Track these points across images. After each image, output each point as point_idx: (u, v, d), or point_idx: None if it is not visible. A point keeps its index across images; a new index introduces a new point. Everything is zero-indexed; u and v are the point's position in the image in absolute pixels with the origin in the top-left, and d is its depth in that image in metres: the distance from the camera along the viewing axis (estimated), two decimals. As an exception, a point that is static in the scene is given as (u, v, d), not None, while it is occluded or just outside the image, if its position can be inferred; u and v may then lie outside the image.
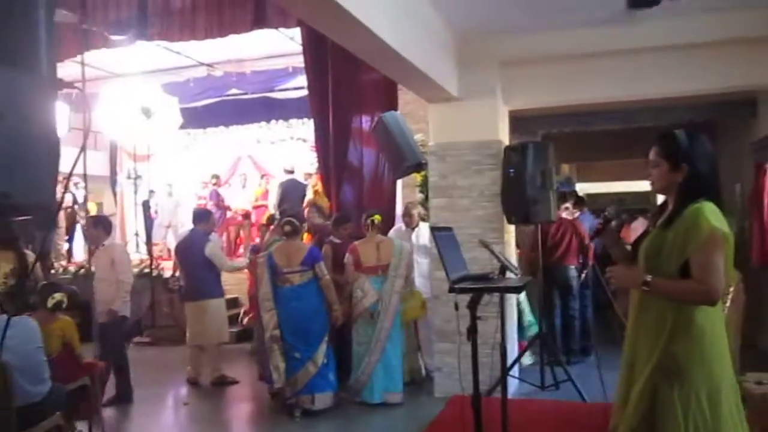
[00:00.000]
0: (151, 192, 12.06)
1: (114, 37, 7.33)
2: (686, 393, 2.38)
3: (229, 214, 11.98)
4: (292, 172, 10.64)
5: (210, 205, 11.25)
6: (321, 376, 5.36)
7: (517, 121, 7.25)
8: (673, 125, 7.49)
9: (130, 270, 6.17)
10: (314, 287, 5.45)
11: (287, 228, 5.54)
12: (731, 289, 4.51)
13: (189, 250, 6.53)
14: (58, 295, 4.65)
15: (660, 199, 2.85)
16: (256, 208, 11.84)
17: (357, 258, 5.68)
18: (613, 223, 2.83)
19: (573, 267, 6.83)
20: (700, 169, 2.50)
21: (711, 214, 2.39)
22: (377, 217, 5.82)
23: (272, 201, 10.67)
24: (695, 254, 2.39)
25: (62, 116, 8.80)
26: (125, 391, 5.90)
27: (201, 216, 6.77)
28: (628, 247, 2.78)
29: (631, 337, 2.64)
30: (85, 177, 2.02)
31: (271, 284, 5.42)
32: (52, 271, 9.30)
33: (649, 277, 2.45)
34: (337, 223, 6.23)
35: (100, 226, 6.10)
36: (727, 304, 4.43)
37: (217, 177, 12.02)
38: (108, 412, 5.51)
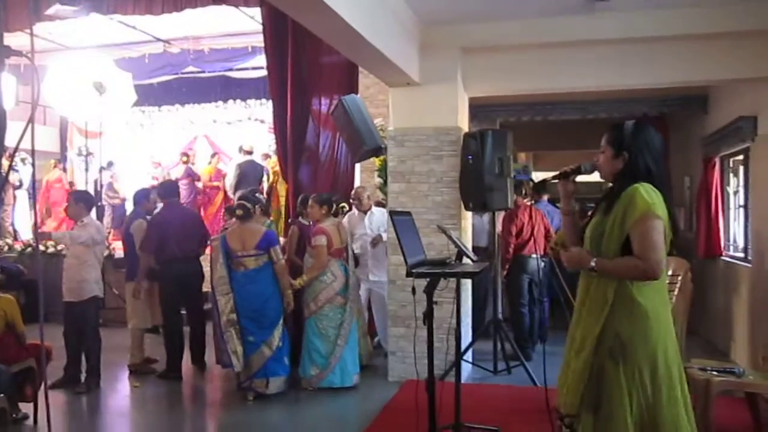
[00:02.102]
0: (110, 163, 11.78)
1: (66, 8, 7.08)
2: (630, 370, 2.47)
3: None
4: (250, 152, 10.51)
5: (185, 183, 11.04)
6: (275, 360, 5.33)
7: (477, 108, 7.30)
8: (628, 117, 7.65)
9: (93, 242, 5.82)
10: (269, 271, 5.38)
11: (239, 212, 5.45)
12: (679, 278, 4.65)
13: (126, 230, 6.41)
14: None
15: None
16: (208, 188, 11.67)
17: (330, 240, 5.62)
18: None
19: (539, 256, 6.79)
20: (639, 158, 2.59)
21: (646, 193, 2.49)
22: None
23: (229, 182, 10.52)
24: (633, 230, 2.48)
25: (9, 88, 8.46)
26: (94, 375, 5.72)
27: (140, 195, 6.63)
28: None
29: (575, 317, 2.71)
30: (32, 152, 1.94)
31: (226, 268, 5.35)
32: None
33: (594, 261, 2.54)
34: (305, 204, 6.07)
35: (81, 203, 5.84)
36: (675, 292, 4.57)
37: (187, 155, 11.78)
38: (54, 395, 5.38)
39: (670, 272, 4.64)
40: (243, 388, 5.37)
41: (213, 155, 12.00)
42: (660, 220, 2.48)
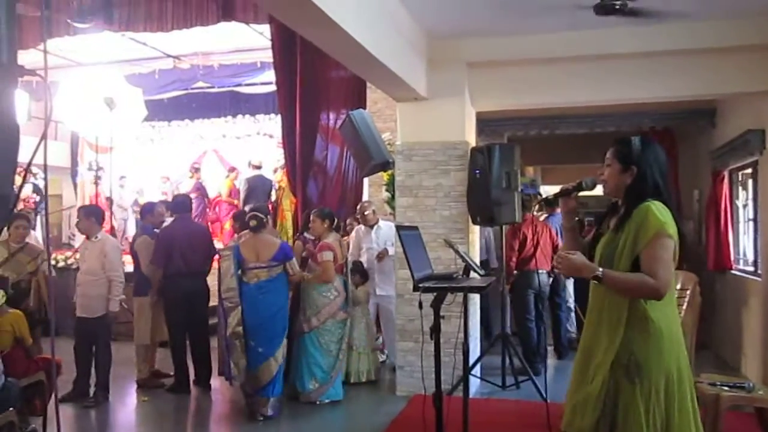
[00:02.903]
0: (123, 178, 11.87)
1: (77, 25, 7.17)
2: (647, 390, 2.44)
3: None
4: (259, 167, 10.56)
5: (194, 198, 11.08)
6: (278, 376, 5.28)
7: (484, 123, 7.32)
8: (635, 131, 7.65)
9: (122, 266, 5.92)
10: (281, 283, 5.34)
11: (253, 222, 5.40)
12: (688, 291, 4.62)
13: (132, 246, 6.44)
14: None
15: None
16: (226, 203, 11.65)
17: (336, 255, 5.62)
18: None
19: (545, 271, 6.74)
20: (648, 173, 2.58)
21: (659, 211, 2.48)
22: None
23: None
24: (645, 249, 2.47)
25: (22, 105, 8.56)
26: (103, 389, 5.72)
27: (146, 210, 6.66)
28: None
29: (586, 333, 2.69)
30: (45, 168, 1.95)
31: (237, 279, 5.30)
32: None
33: (600, 270, 2.51)
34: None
35: (92, 217, 5.81)
36: (684, 306, 4.54)
37: (196, 169, 11.82)
38: (63, 408, 5.38)
39: (678, 286, 4.62)
40: (251, 403, 5.30)
41: (231, 170, 11.90)
42: (671, 239, 2.47)
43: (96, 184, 10.50)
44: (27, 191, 10.80)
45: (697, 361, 4.50)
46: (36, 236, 6.44)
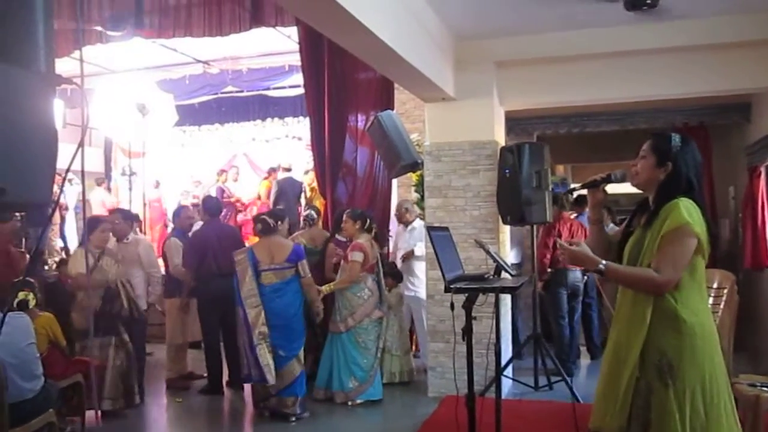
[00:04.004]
0: (158, 183, 12.05)
1: (110, 33, 7.30)
2: (681, 390, 2.40)
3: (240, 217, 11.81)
4: (289, 170, 10.62)
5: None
6: (301, 376, 5.31)
7: (513, 121, 7.27)
8: (668, 127, 7.53)
9: (158, 263, 6.09)
10: (295, 285, 5.35)
11: (258, 226, 5.46)
12: (725, 291, 4.54)
13: (162, 248, 6.58)
14: (21, 294, 4.60)
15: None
16: (265, 205, 11.64)
17: (366, 256, 5.65)
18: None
19: (579, 270, 6.66)
20: (683, 172, 2.55)
21: (686, 209, 2.44)
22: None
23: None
24: (662, 240, 2.44)
25: (58, 112, 8.76)
26: (138, 390, 5.72)
27: (175, 213, 6.79)
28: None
29: (613, 331, 2.66)
30: (82, 174, 1.99)
31: (255, 280, 5.30)
32: (45, 267, 9.26)
33: (603, 263, 2.49)
34: (340, 220, 6.10)
35: (129, 220, 6.04)
36: (721, 306, 4.46)
37: (225, 172, 11.85)
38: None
39: (715, 285, 4.54)
40: (266, 407, 5.35)
41: (270, 172, 11.47)
42: (694, 239, 2.43)
43: (131, 189, 10.68)
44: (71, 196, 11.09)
45: (735, 362, 4.41)
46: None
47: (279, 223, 5.54)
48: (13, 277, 5.40)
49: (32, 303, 4.66)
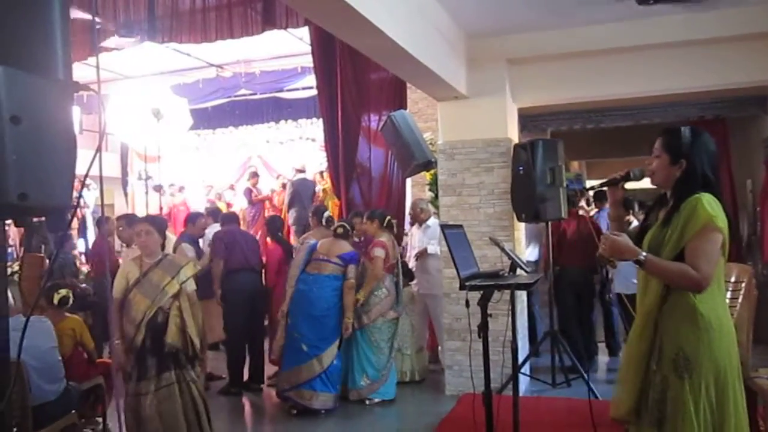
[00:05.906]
0: (182, 188, 12.13)
1: (123, 39, 7.37)
2: (697, 384, 2.41)
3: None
4: (303, 171, 10.66)
5: (250, 210, 11.21)
6: (326, 376, 5.33)
7: (526, 118, 7.25)
8: (682, 122, 7.46)
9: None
10: (338, 284, 5.45)
11: (340, 230, 5.68)
12: (743, 285, 4.49)
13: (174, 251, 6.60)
14: (63, 291, 4.68)
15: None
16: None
17: (388, 253, 5.68)
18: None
19: (580, 267, 6.64)
20: (698, 166, 2.53)
21: (709, 204, 2.43)
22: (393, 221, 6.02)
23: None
24: (692, 240, 2.43)
25: (75, 118, 8.85)
26: None
27: (188, 219, 6.83)
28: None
29: (635, 324, 2.67)
30: (101, 179, 1.99)
31: (301, 268, 5.53)
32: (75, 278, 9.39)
33: (643, 254, 2.48)
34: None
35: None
36: (739, 300, 4.42)
37: (255, 175, 11.71)
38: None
39: (733, 279, 4.49)
40: (284, 398, 5.42)
41: (299, 170, 10.86)
42: (720, 233, 2.43)
43: (150, 192, 10.77)
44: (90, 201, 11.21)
45: (754, 356, 4.36)
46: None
47: (352, 231, 5.84)
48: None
49: (71, 301, 4.74)
